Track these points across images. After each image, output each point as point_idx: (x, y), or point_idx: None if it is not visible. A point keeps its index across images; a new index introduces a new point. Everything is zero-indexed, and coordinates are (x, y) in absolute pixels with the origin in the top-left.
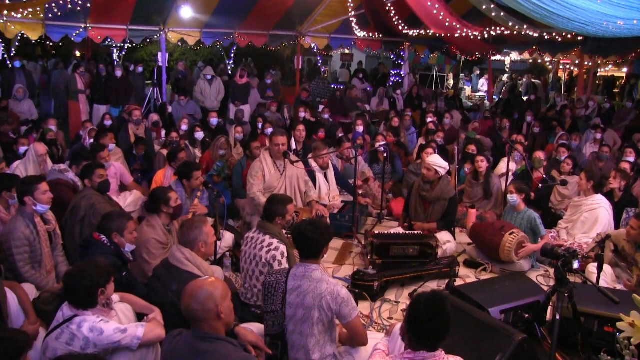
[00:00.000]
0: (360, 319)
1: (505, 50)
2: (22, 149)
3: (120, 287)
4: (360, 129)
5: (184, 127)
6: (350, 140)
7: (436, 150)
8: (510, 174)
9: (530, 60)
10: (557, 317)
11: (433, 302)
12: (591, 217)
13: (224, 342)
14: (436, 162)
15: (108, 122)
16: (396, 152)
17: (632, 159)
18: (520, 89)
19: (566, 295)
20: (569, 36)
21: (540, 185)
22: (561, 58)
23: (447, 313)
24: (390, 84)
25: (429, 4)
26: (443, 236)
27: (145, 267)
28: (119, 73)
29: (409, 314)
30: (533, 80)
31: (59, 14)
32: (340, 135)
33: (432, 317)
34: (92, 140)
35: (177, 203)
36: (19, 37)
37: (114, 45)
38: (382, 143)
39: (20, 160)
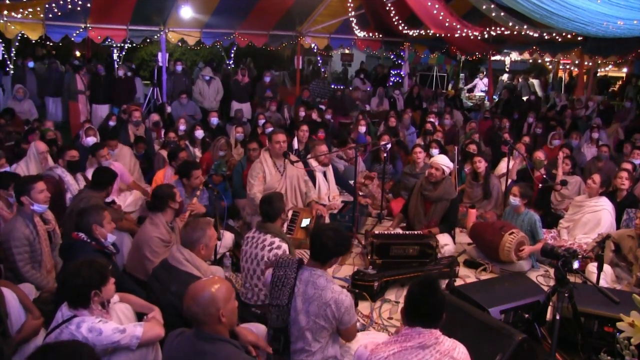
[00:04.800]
0: (357, 324)
1: (505, 50)
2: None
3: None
4: (362, 129)
5: (182, 127)
6: (354, 140)
7: (438, 151)
8: (509, 173)
9: (530, 60)
10: (557, 317)
11: (424, 284)
12: (594, 219)
13: (226, 343)
14: (443, 161)
15: (112, 123)
16: (397, 152)
17: (638, 161)
18: (518, 89)
19: (566, 295)
20: (569, 36)
21: (541, 185)
22: (561, 58)
23: (438, 296)
24: (390, 84)
25: (429, 4)
26: (442, 239)
27: (148, 265)
28: (120, 73)
29: (405, 297)
30: (531, 80)
31: (59, 14)
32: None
33: (424, 300)
34: (88, 138)
35: (180, 199)
36: (19, 37)
37: (114, 45)
38: (385, 142)
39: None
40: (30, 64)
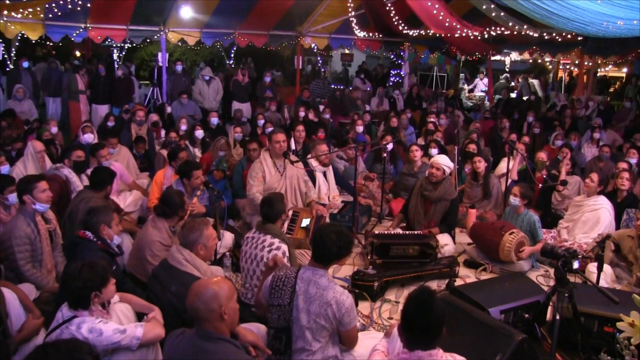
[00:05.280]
0: (357, 326)
1: (505, 50)
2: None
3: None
4: (360, 128)
5: (183, 127)
6: (354, 140)
7: (437, 150)
8: (509, 173)
9: (530, 60)
10: (557, 317)
11: (421, 299)
12: (593, 218)
13: (227, 342)
14: (443, 161)
15: (111, 123)
16: (398, 152)
17: (634, 160)
18: (517, 90)
19: (566, 295)
20: (569, 36)
21: (541, 185)
22: (561, 58)
23: (436, 310)
24: (390, 84)
25: (429, 4)
26: (442, 239)
27: (148, 268)
28: (119, 73)
29: (402, 313)
30: (531, 80)
31: (59, 14)
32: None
33: (422, 315)
34: (85, 135)
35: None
36: (19, 37)
37: (114, 45)
38: (387, 142)
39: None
40: (25, 64)
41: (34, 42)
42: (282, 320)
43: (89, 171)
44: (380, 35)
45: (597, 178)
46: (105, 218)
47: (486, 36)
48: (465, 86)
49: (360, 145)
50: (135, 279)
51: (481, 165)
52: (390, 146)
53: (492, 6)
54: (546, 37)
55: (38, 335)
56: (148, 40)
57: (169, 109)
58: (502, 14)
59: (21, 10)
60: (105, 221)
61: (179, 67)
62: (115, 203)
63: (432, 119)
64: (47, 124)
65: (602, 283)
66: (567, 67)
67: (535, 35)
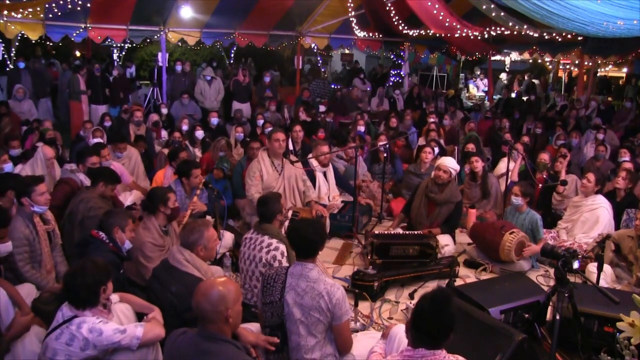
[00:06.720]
0: (350, 323)
1: (505, 50)
2: (13, 152)
3: (119, 284)
4: (361, 129)
5: (185, 127)
6: (354, 139)
7: (437, 150)
8: (510, 174)
9: (530, 60)
10: (557, 317)
11: (437, 298)
12: (592, 217)
13: (229, 343)
14: (450, 164)
15: (107, 124)
16: (395, 152)
17: (627, 159)
18: (516, 90)
19: (566, 295)
20: (569, 36)
21: (541, 185)
22: (561, 58)
23: (450, 311)
24: (390, 84)
25: (429, 4)
26: (442, 239)
27: (142, 270)
28: (115, 73)
29: (414, 309)
30: (533, 80)
31: (59, 14)
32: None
33: (434, 314)
34: (95, 140)
35: (176, 205)
36: (19, 37)
37: (114, 45)
38: (383, 143)
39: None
40: (21, 64)
41: (34, 42)
42: (275, 317)
43: None
44: (380, 35)
45: (594, 178)
46: (121, 222)
47: (486, 36)
48: (470, 84)
49: (359, 141)
50: (132, 281)
51: (478, 165)
52: (383, 146)
53: (492, 6)
54: (546, 37)
55: (29, 331)
56: (148, 40)
57: (165, 110)
58: (502, 14)
59: (21, 10)
60: (120, 224)
61: (179, 67)
62: (120, 202)
63: (432, 119)
64: (41, 124)
65: (602, 283)
66: (567, 67)
67: (535, 35)
